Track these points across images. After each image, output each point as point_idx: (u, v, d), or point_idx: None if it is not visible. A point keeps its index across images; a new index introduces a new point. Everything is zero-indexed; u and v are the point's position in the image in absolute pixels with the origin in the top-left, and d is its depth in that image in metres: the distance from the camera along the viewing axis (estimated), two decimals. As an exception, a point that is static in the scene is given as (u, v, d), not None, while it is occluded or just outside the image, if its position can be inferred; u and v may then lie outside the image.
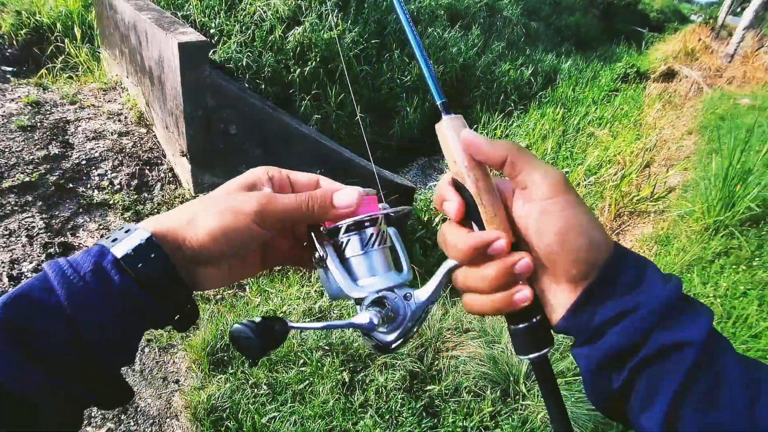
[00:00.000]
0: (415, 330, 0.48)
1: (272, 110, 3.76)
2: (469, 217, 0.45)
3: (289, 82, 5.49)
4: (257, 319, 0.43)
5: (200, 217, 0.46)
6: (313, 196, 0.49)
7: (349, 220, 0.49)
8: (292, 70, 5.45)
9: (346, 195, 0.49)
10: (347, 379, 2.13)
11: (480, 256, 0.43)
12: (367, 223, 0.50)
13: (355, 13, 6.35)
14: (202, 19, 5.16)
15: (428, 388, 2.19)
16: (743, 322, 2.51)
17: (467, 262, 0.45)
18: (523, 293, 0.42)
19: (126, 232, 0.43)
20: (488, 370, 2.24)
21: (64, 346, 0.38)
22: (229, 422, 1.92)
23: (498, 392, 2.17)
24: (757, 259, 2.99)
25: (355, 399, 2.05)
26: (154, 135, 3.76)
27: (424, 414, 2.05)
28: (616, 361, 0.38)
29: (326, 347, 2.28)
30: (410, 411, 2.03)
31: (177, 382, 2.21)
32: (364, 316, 0.45)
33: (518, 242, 0.43)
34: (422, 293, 0.48)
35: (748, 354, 2.35)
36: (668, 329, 0.37)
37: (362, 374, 2.20)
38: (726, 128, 5.16)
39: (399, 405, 2.05)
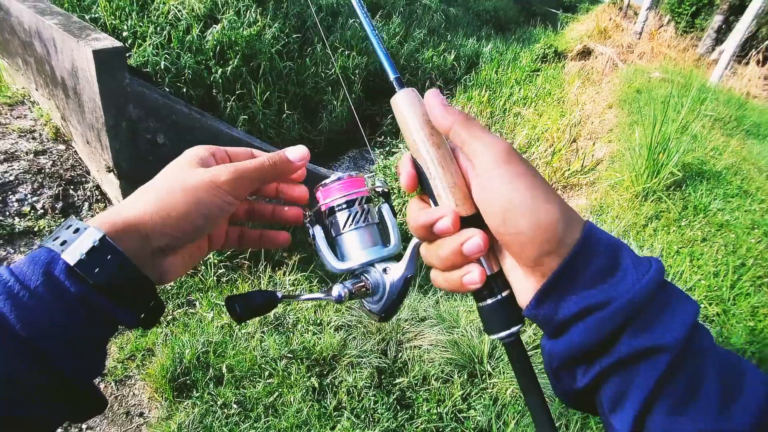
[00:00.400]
0: (399, 301, 0.51)
1: (200, 116, 3.57)
2: (426, 193, 0.44)
3: (212, 83, 5.27)
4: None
5: (167, 199, 0.43)
6: (270, 156, 0.50)
7: (333, 202, 0.53)
8: (213, 70, 5.22)
9: (295, 150, 0.52)
10: (316, 384, 2.09)
11: (431, 235, 0.41)
12: (348, 203, 0.53)
13: (274, 8, 6.18)
14: (113, 22, 4.82)
15: (397, 381, 2.20)
16: (680, 278, 2.71)
17: (423, 240, 0.44)
18: (470, 276, 0.40)
19: (75, 231, 0.39)
20: (452, 355, 2.27)
21: (21, 380, 0.34)
22: (205, 448, 1.82)
23: (465, 375, 2.20)
24: (684, 219, 3.24)
25: (328, 403, 2.01)
26: (75, 151, 3.47)
27: (398, 407, 2.05)
28: (580, 360, 0.35)
29: (289, 355, 2.22)
30: (384, 406, 2.02)
31: (141, 415, 2.07)
32: (334, 290, 0.50)
33: (480, 220, 0.40)
34: (397, 269, 0.51)
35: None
36: (641, 330, 0.33)
37: (330, 377, 2.17)
38: (643, 100, 5.53)
39: (372, 402, 2.04)
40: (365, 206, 0.53)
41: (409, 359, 2.31)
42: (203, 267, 2.89)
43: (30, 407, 0.35)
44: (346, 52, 6.82)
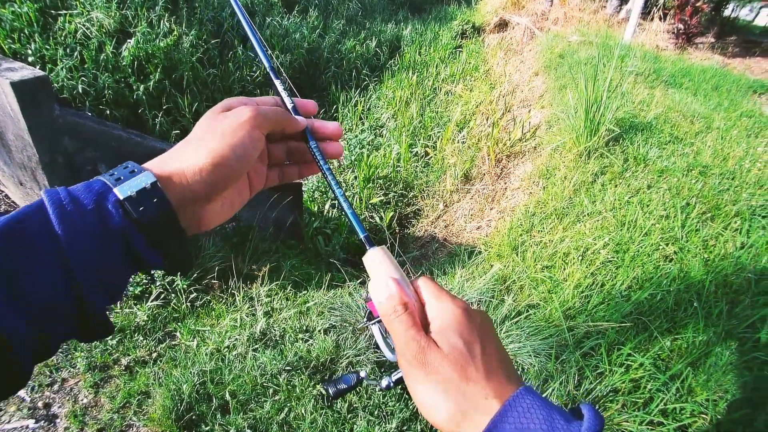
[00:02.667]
0: None
1: (139, 138, 3.38)
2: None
3: (136, 101, 4.97)
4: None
5: (202, 148, 0.46)
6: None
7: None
8: (135, 87, 4.93)
9: (305, 101, 0.62)
10: (323, 391, 2.08)
11: None
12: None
13: (187, 14, 5.89)
14: (12, 46, 4.40)
15: (399, 371, 2.22)
16: (634, 226, 2.91)
17: None
18: None
19: (131, 172, 0.42)
20: None
21: (54, 294, 0.36)
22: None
23: None
24: (627, 171, 3.47)
25: (340, 407, 2.01)
26: (6, 195, 3.18)
27: (406, 397, 2.08)
28: None
29: (288, 368, 2.19)
30: (394, 399, 2.05)
31: None
32: (384, 381, 0.60)
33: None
34: None
35: (644, 249, 2.76)
36: None
37: (333, 381, 2.16)
38: (567, 64, 5.81)
39: (382, 397, 2.06)
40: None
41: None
42: (173, 295, 2.77)
43: (47, 319, 0.37)
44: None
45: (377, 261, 0.51)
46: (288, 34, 7.24)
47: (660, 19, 9.04)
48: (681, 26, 9.06)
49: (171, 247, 0.44)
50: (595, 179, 3.49)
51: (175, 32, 5.40)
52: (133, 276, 2.78)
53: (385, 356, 0.58)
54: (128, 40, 5.06)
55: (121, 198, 0.40)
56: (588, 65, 5.05)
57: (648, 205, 3.09)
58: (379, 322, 0.57)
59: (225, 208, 0.52)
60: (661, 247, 2.80)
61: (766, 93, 7.29)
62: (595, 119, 3.69)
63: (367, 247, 0.52)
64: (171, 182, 0.43)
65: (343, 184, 5.21)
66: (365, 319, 0.59)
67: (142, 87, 4.96)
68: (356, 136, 6.11)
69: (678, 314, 2.28)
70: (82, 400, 2.19)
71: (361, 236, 0.53)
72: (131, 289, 2.72)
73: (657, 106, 4.57)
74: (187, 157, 0.45)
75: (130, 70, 4.96)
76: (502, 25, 9.08)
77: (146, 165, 0.44)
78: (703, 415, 1.97)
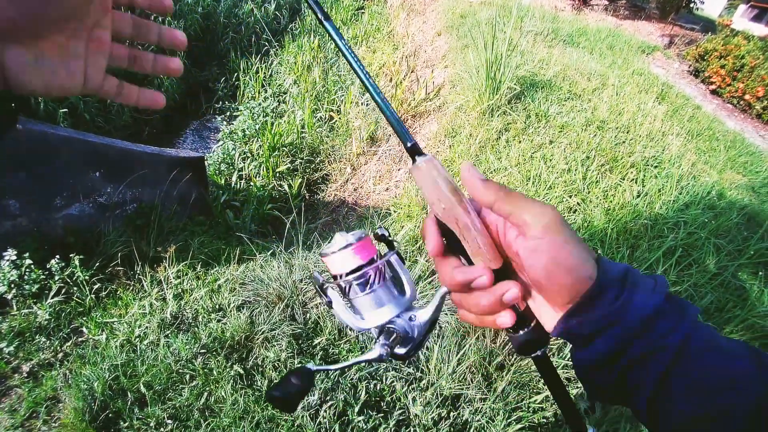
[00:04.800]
0: (424, 341, 0.55)
1: (20, 124, 3.05)
2: (455, 251, 0.49)
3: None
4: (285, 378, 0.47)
5: None
6: None
7: (345, 269, 0.53)
8: (8, 61, 4.38)
9: None
10: (241, 371, 2.08)
11: (468, 290, 0.47)
12: (360, 267, 0.53)
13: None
14: None
15: (316, 342, 2.26)
16: (539, 180, 3.12)
17: (459, 293, 0.49)
18: (503, 320, 0.46)
19: None
20: None
21: None
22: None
23: None
24: (530, 127, 3.65)
25: (260, 384, 2.04)
26: None
27: (321, 361, 2.15)
28: (606, 362, 0.43)
29: (203, 350, 2.16)
30: (315, 370, 2.11)
31: None
32: (375, 351, 0.51)
33: (507, 267, 0.47)
34: (424, 315, 0.54)
35: (550, 201, 2.97)
36: (647, 338, 0.41)
37: (251, 359, 2.15)
38: (469, 24, 5.90)
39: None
40: (377, 266, 0.54)
41: (319, 317, 2.35)
42: (75, 288, 2.61)
43: None
44: (160, 18, 6.16)
45: (430, 173, 0.47)
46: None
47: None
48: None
49: None
50: (499, 136, 3.65)
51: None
52: (27, 273, 2.57)
53: (345, 323, 0.54)
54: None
55: None
56: (488, 25, 5.16)
57: (551, 160, 3.29)
58: (336, 281, 0.54)
59: (44, 70, 0.40)
60: (565, 199, 3.01)
61: (653, 53, 7.90)
62: (497, 78, 3.82)
63: (417, 157, 0.48)
64: None
65: (249, 155, 5.08)
66: (319, 285, 0.55)
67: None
68: (259, 104, 5.91)
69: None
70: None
71: (408, 144, 0.48)
72: (27, 287, 2.53)
73: (556, 65, 4.81)
74: None
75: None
76: (404, -15, 8.95)
77: None
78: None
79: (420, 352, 2.11)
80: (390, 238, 0.58)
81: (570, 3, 9.51)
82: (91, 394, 1.94)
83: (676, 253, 2.74)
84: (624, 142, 3.70)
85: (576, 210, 2.95)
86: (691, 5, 11.08)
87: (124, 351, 2.19)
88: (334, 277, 0.55)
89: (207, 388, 2.00)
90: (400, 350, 0.54)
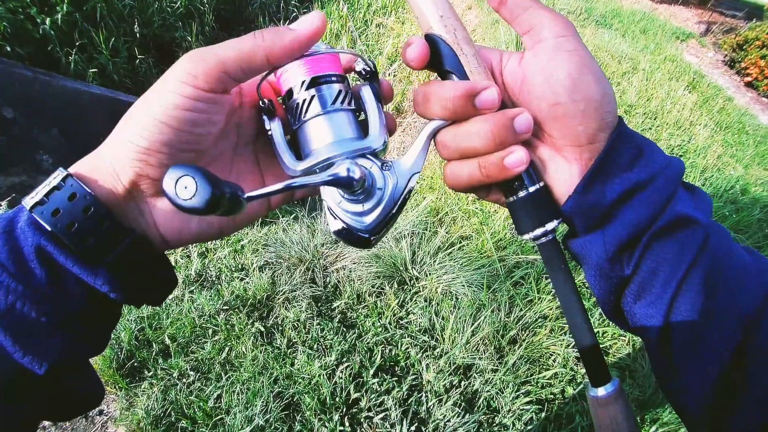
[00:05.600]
0: (398, 212, 0.40)
1: (49, 77, 3.11)
2: (450, 70, 0.39)
3: (43, 36, 4.48)
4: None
5: (131, 113, 0.34)
6: (264, 30, 0.36)
7: (294, 81, 0.40)
8: (39, 21, 4.42)
9: (305, 18, 0.38)
10: (262, 328, 2.15)
11: (470, 108, 0.37)
12: (313, 81, 0.40)
13: (94, -66, 5.25)
14: None
15: (335, 305, 2.31)
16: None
17: (456, 117, 0.38)
18: (515, 156, 0.36)
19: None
20: (378, 268, 2.39)
21: None
22: (182, 423, 1.81)
23: (395, 284, 2.36)
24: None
25: (279, 342, 2.12)
26: None
27: (344, 329, 2.20)
28: (631, 241, 0.35)
29: (225, 307, 2.23)
30: (332, 332, 2.17)
31: (101, 413, 1.95)
32: (339, 169, 0.37)
33: (506, 107, 0.38)
34: (405, 161, 0.40)
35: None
36: (680, 201, 0.34)
37: (272, 318, 2.22)
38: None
39: (320, 331, 2.17)
40: (338, 86, 0.40)
41: (339, 282, 2.41)
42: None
43: None
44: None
45: None
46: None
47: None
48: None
49: (123, 261, 0.32)
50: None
51: (82, -45, 4.82)
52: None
53: (279, 163, 0.41)
54: (21, -36, 4.47)
55: (28, 208, 0.30)
56: None
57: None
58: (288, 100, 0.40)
59: (202, 224, 0.38)
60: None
61: (687, 40, 7.65)
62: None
63: None
64: (93, 170, 0.32)
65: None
66: (267, 102, 0.41)
67: (48, 20, 4.46)
68: (288, 72, 5.91)
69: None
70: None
71: None
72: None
73: (587, 45, 4.70)
74: (117, 128, 0.34)
75: (29, 0, 4.42)
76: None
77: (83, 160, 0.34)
78: (623, 338, 2.23)
79: (436, 321, 2.17)
80: (372, 70, 0.43)
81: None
82: (117, 344, 2.03)
83: (695, 243, 2.73)
84: (651, 128, 3.65)
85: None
86: (737, -12, 10.66)
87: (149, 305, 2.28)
88: (287, 96, 0.41)
89: (228, 343, 2.08)
90: (361, 219, 0.40)
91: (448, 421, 1.84)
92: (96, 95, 3.19)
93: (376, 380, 1.92)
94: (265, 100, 0.41)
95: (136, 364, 2.01)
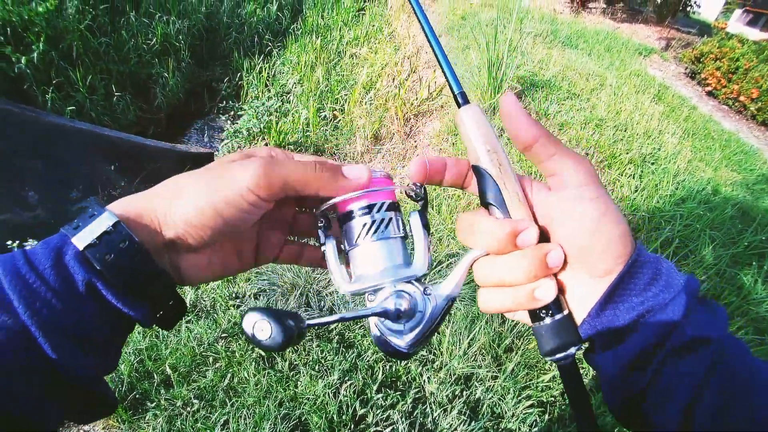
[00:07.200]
0: (435, 330, 0.43)
1: (34, 114, 3.15)
2: (492, 203, 0.42)
3: (19, 75, 4.52)
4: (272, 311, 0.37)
5: (185, 189, 0.39)
6: (322, 161, 0.43)
7: (351, 204, 0.44)
8: (14, 59, 4.46)
9: (353, 169, 0.43)
10: (263, 353, 2.18)
11: (511, 246, 0.40)
12: (369, 207, 0.44)
13: (68, -25, 5.36)
14: None
15: (332, 327, 2.34)
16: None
17: (497, 252, 0.41)
18: (544, 290, 0.39)
19: (91, 216, 0.36)
20: None
21: (15, 372, 0.31)
22: (185, 451, 1.82)
23: None
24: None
25: (281, 366, 2.13)
26: None
27: (343, 350, 2.20)
28: (644, 358, 0.36)
29: (224, 335, 2.25)
30: (332, 353, 2.17)
31: None
32: (388, 302, 0.41)
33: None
34: (444, 287, 0.43)
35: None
36: (691, 323, 0.36)
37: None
38: (470, 25, 6.03)
39: (320, 352, 2.17)
40: (390, 214, 0.44)
41: (333, 304, 2.45)
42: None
43: (22, 403, 0.32)
44: (165, 18, 6.27)
45: (478, 116, 0.43)
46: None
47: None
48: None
49: (155, 296, 0.38)
50: (501, 134, 3.76)
51: (54, -6, 4.90)
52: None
53: (333, 280, 0.44)
54: (-11, 2, 4.52)
55: (81, 248, 0.34)
56: (489, 26, 5.29)
57: (551, 156, 3.41)
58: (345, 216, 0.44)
59: (215, 266, 0.44)
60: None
61: (650, 55, 8.07)
62: (498, 77, 3.94)
63: (461, 103, 0.44)
64: (138, 221, 0.37)
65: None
66: (323, 219, 0.46)
67: (24, 59, 4.50)
68: (263, 104, 6.02)
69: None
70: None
71: (456, 92, 0.45)
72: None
73: (555, 65, 4.94)
74: (166, 194, 0.39)
75: (3, 39, 4.47)
76: (407, -13, 9.05)
77: (122, 201, 0.39)
78: None
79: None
80: (423, 197, 0.47)
81: (568, 5, 9.71)
82: (117, 376, 2.03)
83: (673, 243, 2.86)
84: (622, 139, 3.82)
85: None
86: (688, 9, 11.29)
87: (146, 337, 2.28)
88: (344, 218, 0.45)
89: (230, 370, 2.09)
90: (401, 338, 0.42)
91: (455, 429, 1.87)
92: (80, 130, 3.23)
93: (380, 395, 1.95)
94: (322, 219, 0.46)
95: (137, 395, 2.00)
